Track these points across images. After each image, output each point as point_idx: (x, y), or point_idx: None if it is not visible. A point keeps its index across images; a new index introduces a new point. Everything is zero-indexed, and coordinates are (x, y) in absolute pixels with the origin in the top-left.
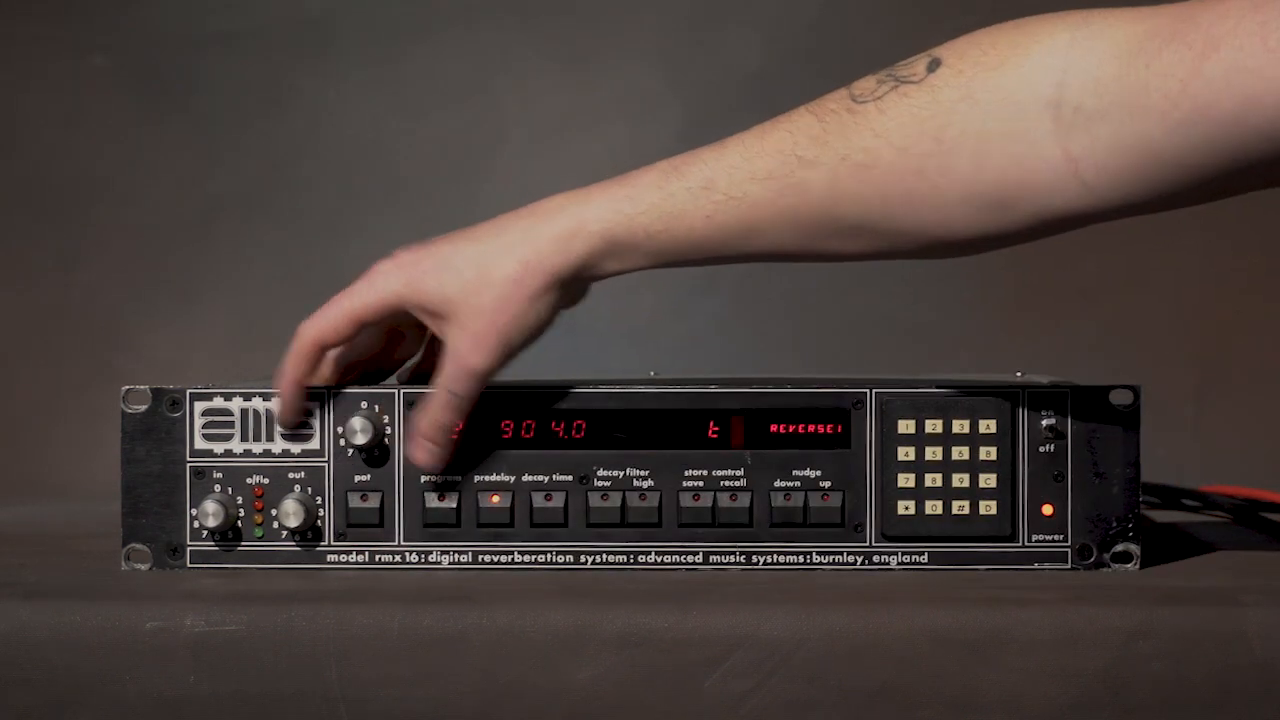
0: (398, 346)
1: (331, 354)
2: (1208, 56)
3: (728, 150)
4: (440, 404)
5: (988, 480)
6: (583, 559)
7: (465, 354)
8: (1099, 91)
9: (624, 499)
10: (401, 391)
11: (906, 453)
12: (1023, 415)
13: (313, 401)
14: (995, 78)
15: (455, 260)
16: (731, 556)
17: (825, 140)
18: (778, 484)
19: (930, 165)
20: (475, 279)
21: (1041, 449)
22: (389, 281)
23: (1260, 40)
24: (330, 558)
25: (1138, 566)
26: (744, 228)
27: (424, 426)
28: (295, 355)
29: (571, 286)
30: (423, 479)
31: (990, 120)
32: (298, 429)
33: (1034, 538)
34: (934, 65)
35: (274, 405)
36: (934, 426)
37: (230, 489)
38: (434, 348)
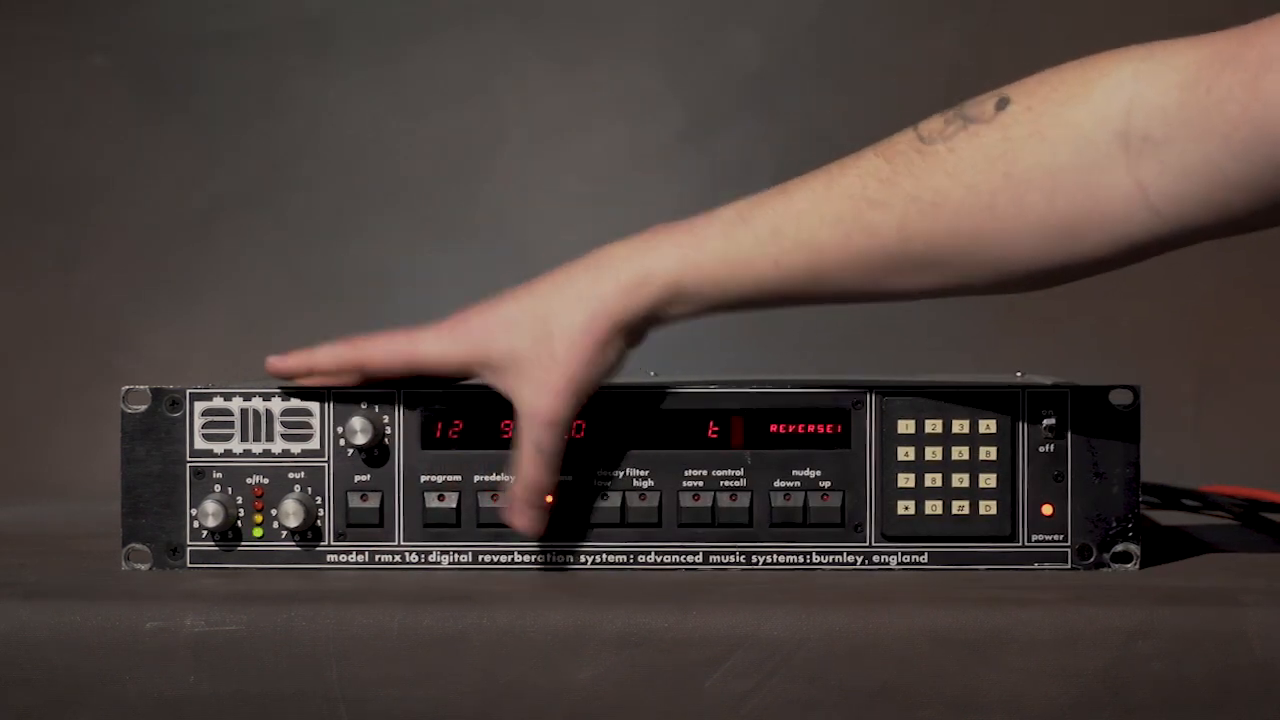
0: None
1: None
2: (1263, 77)
3: (795, 196)
4: (532, 465)
5: (988, 480)
6: (583, 559)
7: (544, 407)
8: (1165, 119)
9: (624, 499)
10: (402, 391)
11: (906, 453)
12: (1023, 415)
13: (311, 400)
14: (1064, 112)
15: (523, 318)
16: (731, 556)
17: (894, 181)
18: (778, 484)
19: (1001, 201)
20: (545, 333)
21: (1041, 449)
22: (458, 346)
23: None
24: (330, 558)
25: (1138, 566)
26: (812, 272)
27: (520, 491)
28: (334, 362)
29: (637, 332)
30: (423, 479)
31: (1060, 154)
32: (296, 423)
33: (1034, 538)
34: (1003, 104)
35: (280, 367)
36: (934, 426)
37: (230, 489)
38: None
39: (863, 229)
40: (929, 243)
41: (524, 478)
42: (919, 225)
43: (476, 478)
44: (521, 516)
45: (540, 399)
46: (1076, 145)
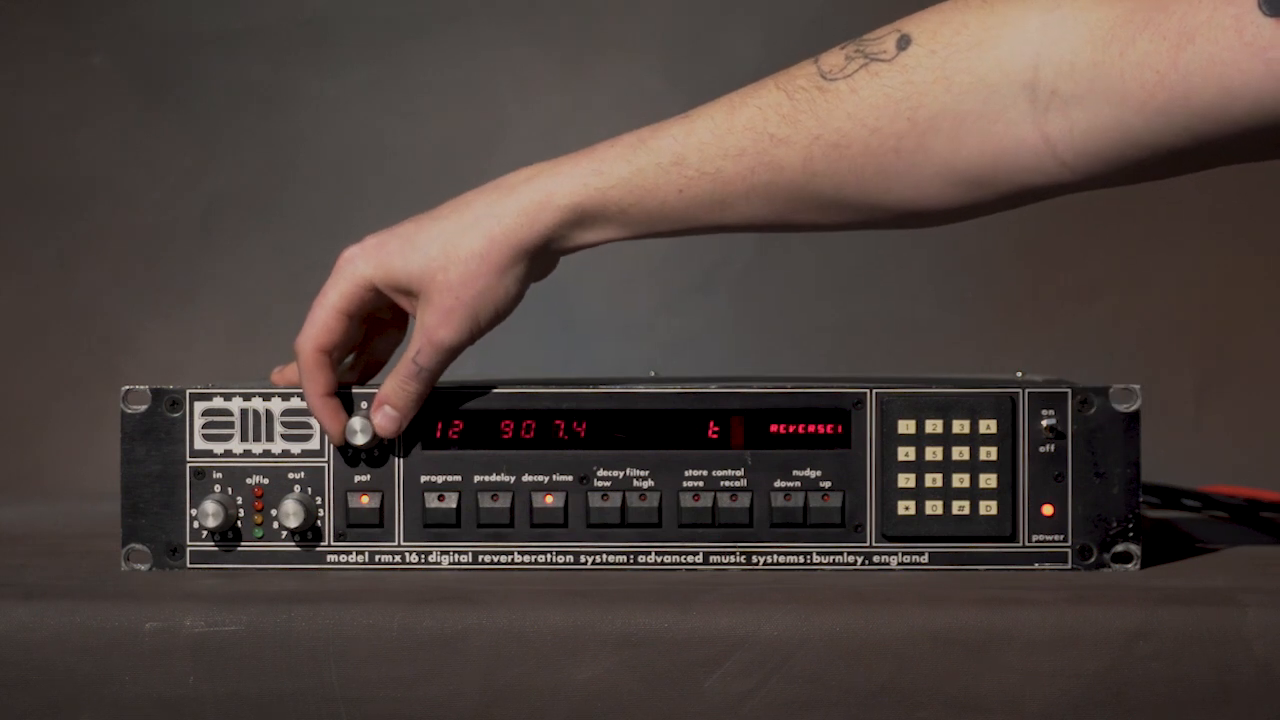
0: (377, 336)
1: (348, 360)
2: (1183, 48)
3: (697, 125)
4: (407, 374)
5: (988, 480)
6: (583, 559)
7: (433, 328)
8: (1074, 76)
9: (624, 499)
10: None
11: (906, 453)
12: (1023, 415)
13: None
14: (969, 59)
15: (420, 239)
16: (731, 556)
17: (797, 119)
18: (778, 484)
19: (905, 145)
20: (441, 255)
21: (1041, 449)
22: (358, 267)
23: (1236, 33)
24: (330, 558)
25: (1138, 567)
26: (716, 202)
27: (389, 393)
28: (305, 372)
29: (540, 259)
30: (423, 479)
31: (966, 102)
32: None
33: (1034, 538)
34: (904, 43)
35: (322, 426)
36: (934, 426)
37: (230, 489)
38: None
39: (767, 165)
40: (834, 181)
41: (398, 384)
42: (823, 164)
43: (476, 478)
44: (383, 416)
45: (434, 323)
46: (982, 94)
